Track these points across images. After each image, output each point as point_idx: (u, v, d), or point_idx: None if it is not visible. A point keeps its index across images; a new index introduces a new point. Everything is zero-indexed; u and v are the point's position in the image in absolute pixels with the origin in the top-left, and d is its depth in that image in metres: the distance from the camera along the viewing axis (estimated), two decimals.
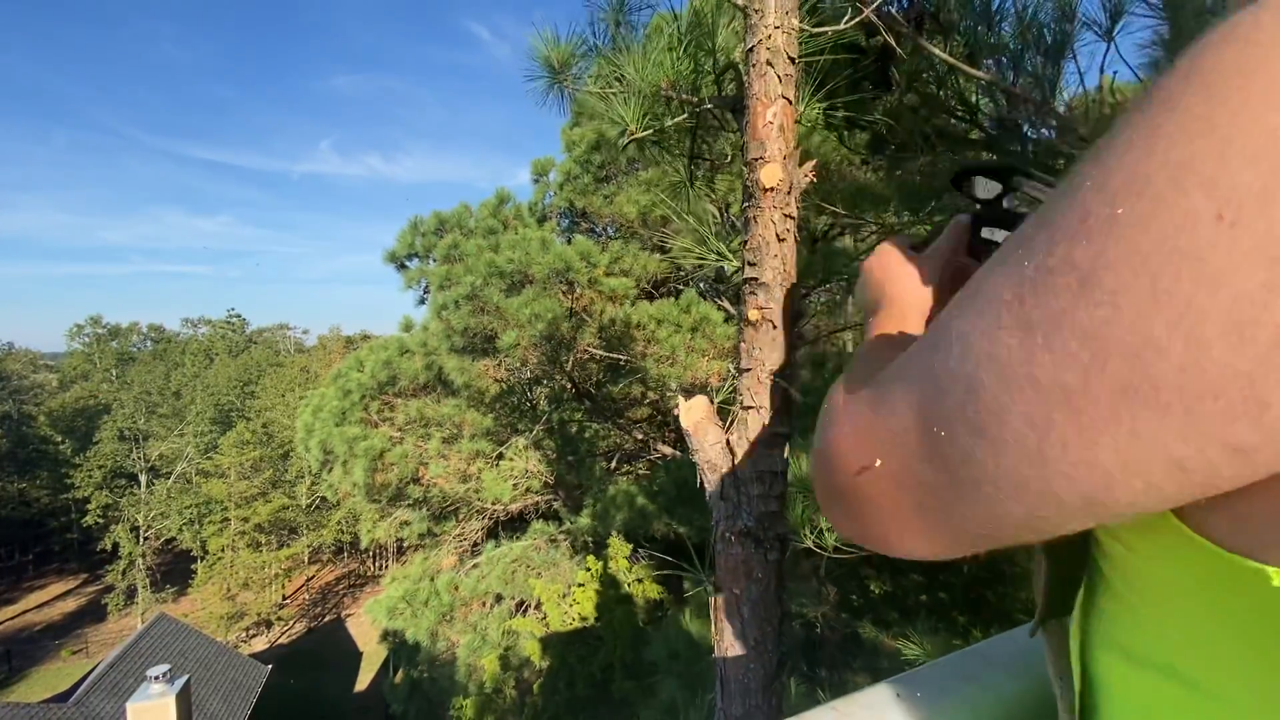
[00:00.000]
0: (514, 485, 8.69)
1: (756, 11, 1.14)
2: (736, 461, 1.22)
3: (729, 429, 1.27)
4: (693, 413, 1.28)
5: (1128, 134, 0.22)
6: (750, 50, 1.14)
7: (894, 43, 1.61)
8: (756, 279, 1.15)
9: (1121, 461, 0.23)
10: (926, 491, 0.32)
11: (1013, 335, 0.25)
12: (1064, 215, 0.24)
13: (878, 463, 0.35)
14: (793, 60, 1.13)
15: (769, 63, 1.12)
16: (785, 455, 1.22)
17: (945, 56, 1.71)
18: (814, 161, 1.15)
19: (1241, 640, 0.26)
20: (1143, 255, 0.21)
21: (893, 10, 1.63)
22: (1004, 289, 0.26)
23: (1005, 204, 0.70)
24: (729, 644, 1.18)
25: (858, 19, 1.30)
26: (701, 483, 1.27)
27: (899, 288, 0.66)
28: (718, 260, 1.48)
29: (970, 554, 0.35)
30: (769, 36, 1.12)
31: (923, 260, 0.68)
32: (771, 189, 1.12)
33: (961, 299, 0.30)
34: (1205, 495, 0.22)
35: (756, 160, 1.14)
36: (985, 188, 0.70)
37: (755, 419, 1.18)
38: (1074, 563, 0.38)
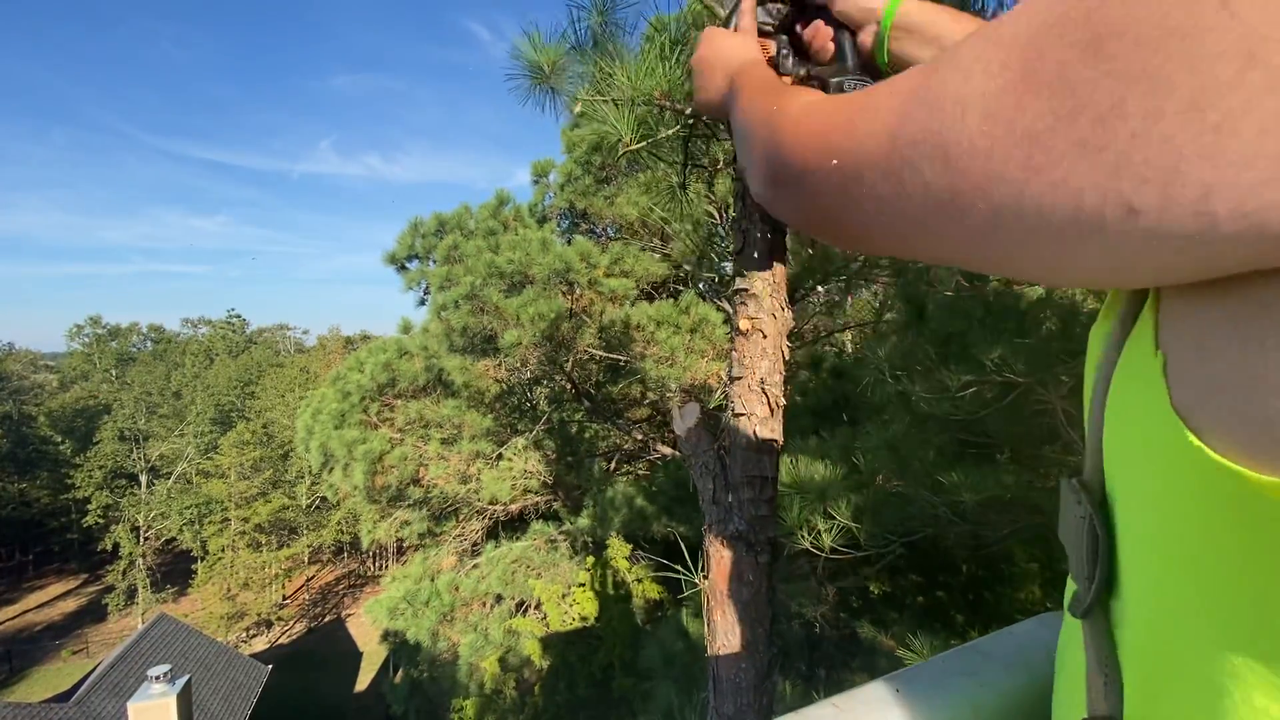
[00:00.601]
0: (512, 484, 8.70)
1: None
2: (728, 467, 1.25)
3: (721, 435, 1.29)
4: (686, 419, 1.31)
5: None
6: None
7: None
8: (747, 289, 1.18)
9: (1049, 203, 0.25)
10: (869, 197, 0.36)
11: (1012, 75, 0.26)
12: None
13: (834, 161, 0.39)
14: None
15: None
16: (776, 461, 1.25)
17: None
18: None
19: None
20: (1147, 25, 0.22)
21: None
22: (1020, 30, 0.27)
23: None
24: (721, 644, 1.21)
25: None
26: (693, 486, 1.29)
27: (738, 53, 0.73)
28: (715, 265, 1.49)
29: (864, 251, 0.40)
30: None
31: (739, 33, 0.77)
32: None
33: (980, 32, 0.30)
34: (1121, 245, 0.24)
35: (746, 169, 1.16)
36: None
37: (746, 425, 1.21)
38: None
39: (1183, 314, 0.27)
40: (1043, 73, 0.25)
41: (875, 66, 0.75)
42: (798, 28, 0.80)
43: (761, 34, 0.80)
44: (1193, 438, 0.25)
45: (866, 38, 0.75)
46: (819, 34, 0.77)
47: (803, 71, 0.78)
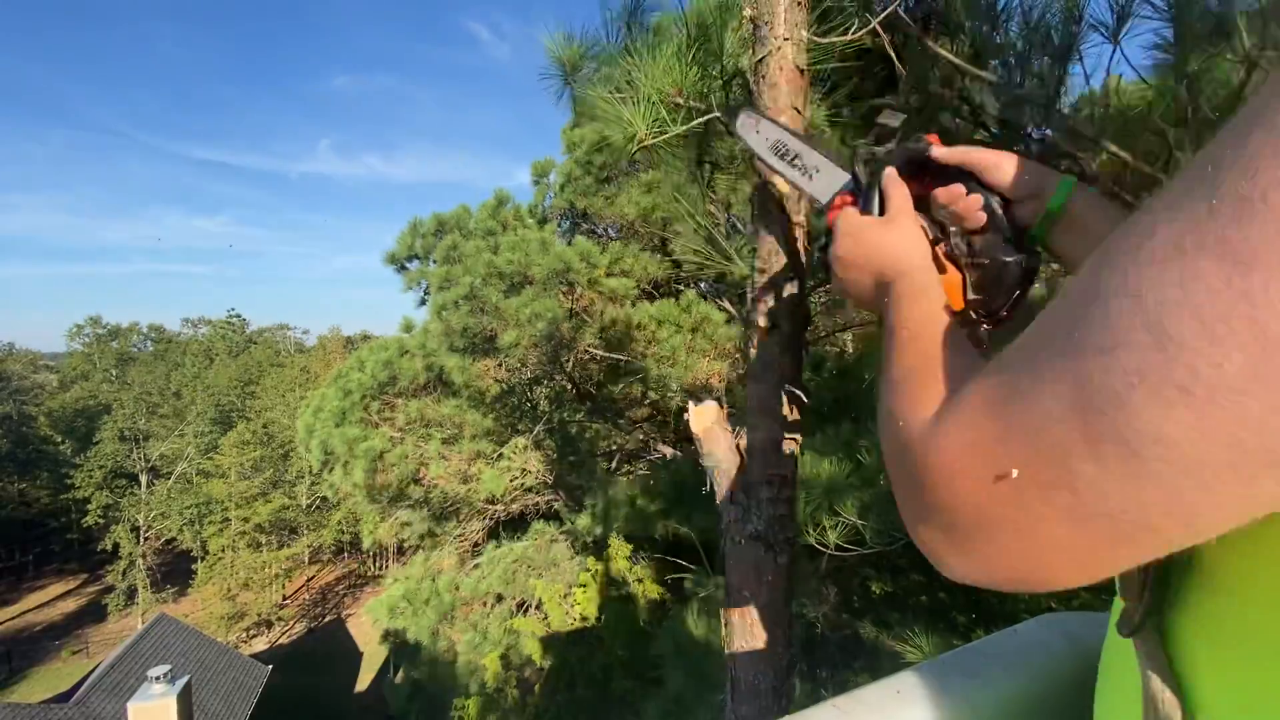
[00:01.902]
0: (509, 482, 8.70)
1: (766, 23, 1.15)
2: (746, 466, 1.24)
3: (738, 434, 1.28)
4: (703, 418, 1.30)
5: None
6: (760, 61, 1.16)
7: (900, 46, 1.62)
8: (766, 287, 1.17)
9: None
10: (1090, 491, 0.27)
11: (1212, 271, 0.22)
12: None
13: (1014, 473, 0.29)
14: (801, 71, 1.15)
15: (778, 73, 1.13)
16: (795, 460, 1.24)
17: (951, 57, 1.72)
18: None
19: None
20: None
21: (900, 11, 1.64)
22: (1178, 233, 0.24)
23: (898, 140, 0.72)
24: (740, 646, 1.20)
25: (866, 29, 1.31)
26: (711, 486, 1.28)
27: (902, 255, 0.62)
28: (724, 264, 1.49)
29: (1121, 569, 0.31)
30: (778, 48, 1.13)
31: (898, 219, 0.65)
32: (781, 196, 1.13)
33: (1100, 259, 0.27)
34: None
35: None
36: (894, 117, 0.73)
37: (765, 423, 1.20)
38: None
39: None
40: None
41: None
42: (933, 198, 0.71)
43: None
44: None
45: (1023, 213, 0.68)
46: (962, 203, 0.67)
47: (965, 246, 0.68)
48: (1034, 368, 0.29)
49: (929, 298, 0.56)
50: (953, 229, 0.68)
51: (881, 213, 0.68)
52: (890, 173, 0.69)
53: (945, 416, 0.36)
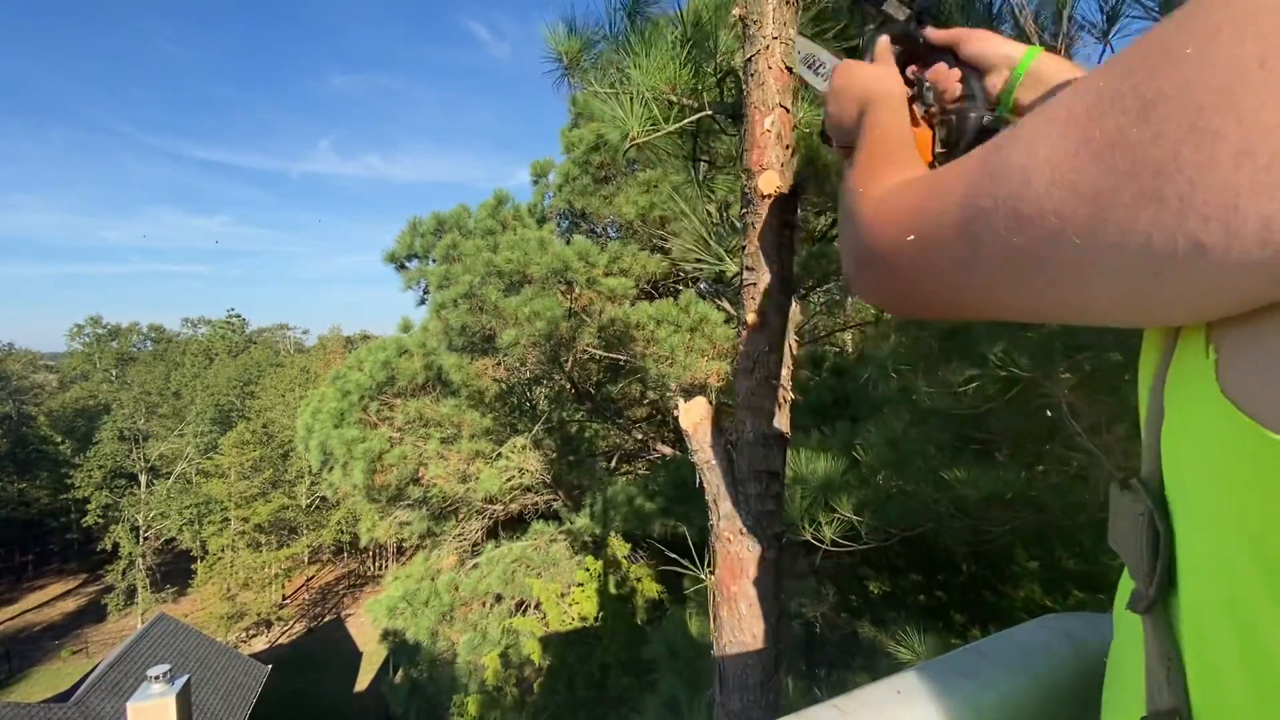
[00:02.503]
0: (507, 480, 8.70)
1: (755, 22, 1.16)
2: (734, 462, 1.25)
3: (727, 430, 1.29)
4: (692, 414, 1.30)
5: None
6: (749, 60, 1.17)
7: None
8: (755, 284, 1.17)
9: (1121, 249, 0.28)
10: (948, 264, 0.40)
11: (1070, 143, 0.29)
12: (1145, 47, 0.28)
13: (910, 237, 0.43)
14: (790, 70, 1.15)
15: (767, 72, 1.14)
16: (783, 456, 1.24)
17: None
18: (811, 170, 1.17)
19: None
20: (1194, 90, 0.25)
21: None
22: (1078, 105, 0.30)
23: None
24: (727, 641, 1.20)
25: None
26: (700, 483, 1.29)
27: (879, 84, 0.74)
28: (718, 264, 1.49)
29: (950, 318, 0.43)
30: (767, 47, 1.14)
31: (880, 63, 0.78)
32: (769, 195, 1.14)
33: (1038, 110, 0.33)
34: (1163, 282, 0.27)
35: (755, 167, 1.16)
36: (899, 10, 0.82)
37: (753, 420, 1.20)
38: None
39: (1235, 316, 0.29)
40: (1100, 139, 0.28)
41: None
42: (909, 71, 0.82)
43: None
44: (1246, 418, 0.27)
45: (996, 81, 0.78)
46: (943, 76, 0.79)
47: (935, 108, 0.78)
48: (943, 180, 0.41)
49: (898, 116, 0.68)
50: (927, 85, 0.79)
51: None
52: (882, 39, 0.81)
53: (888, 193, 0.50)
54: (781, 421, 1.21)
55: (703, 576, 1.31)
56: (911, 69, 0.81)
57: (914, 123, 0.76)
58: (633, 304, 7.93)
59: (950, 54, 0.79)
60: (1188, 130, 0.25)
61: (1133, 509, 0.39)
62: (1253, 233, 0.23)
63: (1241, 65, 0.23)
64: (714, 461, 1.25)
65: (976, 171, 0.37)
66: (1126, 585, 0.45)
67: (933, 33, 0.80)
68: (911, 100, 0.77)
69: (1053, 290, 0.34)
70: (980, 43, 0.77)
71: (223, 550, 26.84)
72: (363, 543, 12.36)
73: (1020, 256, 0.34)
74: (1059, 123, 0.31)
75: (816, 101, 1.40)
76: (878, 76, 0.75)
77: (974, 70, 0.77)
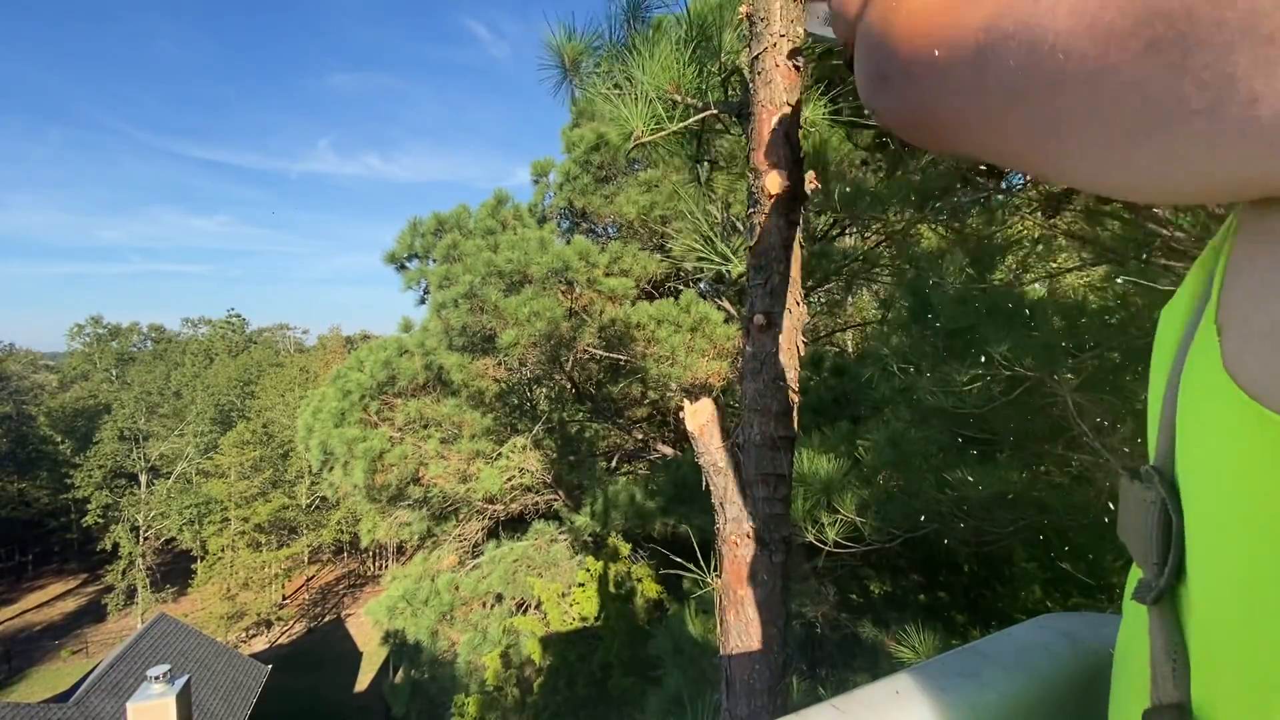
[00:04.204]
0: (507, 480, 8.70)
1: (762, 20, 1.15)
2: (742, 464, 1.24)
3: (734, 432, 1.28)
4: (698, 416, 1.29)
5: None
6: (756, 58, 1.16)
7: None
8: (762, 284, 1.16)
9: (1116, 97, 0.26)
10: (958, 87, 0.37)
11: None
12: None
13: (936, 51, 0.39)
14: (797, 68, 1.14)
15: (774, 70, 1.13)
16: (790, 458, 1.23)
17: None
18: (816, 170, 1.16)
19: None
20: None
21: None
22: None
23: None
24: (734, 644, 1.19)
25: None
26: (706, 485, 1.28)
27: None
28: (721, 264, 1.48)
29: (951, 149, 0.43)
30: (774, 45, 1.13)
31: None
32: (776, 195, 1.13)
33: None
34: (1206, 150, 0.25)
35: (761, 166, 1.15)
36: None
37: (760, 422, 1.19)
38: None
39: (1239, 273, 0.29)
40: None
41: None
42: None
43: None
44: (1242, 393, 0.27)
45: None
46: None
47: None
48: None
49: None
50: None
51: None
52: None
53: (931, 4, 0.45)
54: (789, 424, 1.20)
55: (707, 578, 1.30)
56: None
57: None
58: (633, 304, 7.93)
59: None
60: None
61: (1143, 497, 0.38)
62: (1239, 107, 0.23)
63: None
64: (721, 464, 1.24)
65: None
66: (1135, 577, 0.44)
67: None
68: None
69: (1045, 137, 0.32)
70: None
71: (223, 550, 26.85)
72: (363, 543, 12.34)
73: (1025, 91, 0.32)
74: None
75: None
76: None
77: None
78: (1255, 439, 0.26)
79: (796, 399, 1.18)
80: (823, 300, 9.90)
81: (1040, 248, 3.79)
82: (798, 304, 1.16)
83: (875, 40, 0.52)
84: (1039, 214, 3.39)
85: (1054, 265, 4.15)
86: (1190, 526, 0.34)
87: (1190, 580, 0.34)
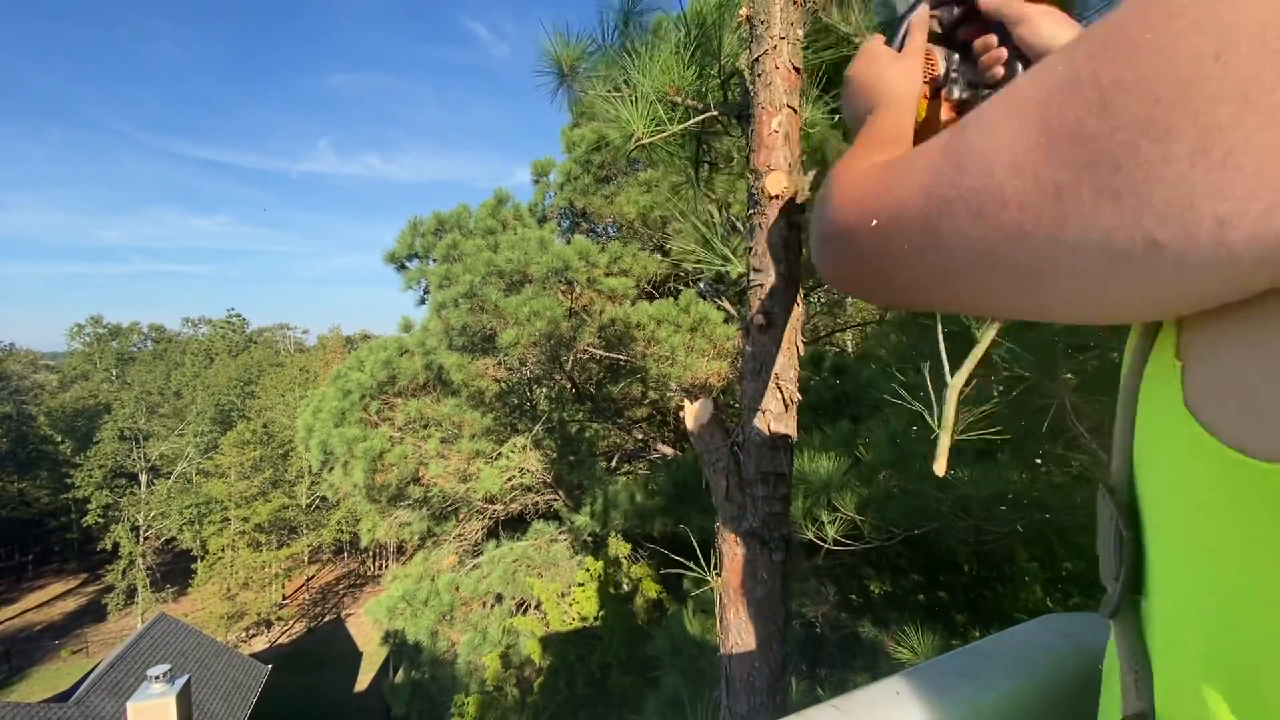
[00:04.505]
0: (507, 480, 8.70)
1: (762, 22, 1.15)
2: (741, 463, 1.24)
3: (733, 432, 1.28)
4: (698, 416, 1.30)
5: None
6: (756, 60, 1.16)
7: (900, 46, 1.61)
8: (762, 285, 1.17)
9: (1080, 247, 0.27)
10: (908, 251, 0.39)
11: (1031, 134, 0.29)
12: (1107, 30, 0.27)
13: (874, 222, 0.42)
14: (798, 70, 1.15)
15: (774, 72, 1.14)
16: (790, 457, 1.24)
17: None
18: (816, 171, 1.17)
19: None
20: (1152, 81, 0.24)
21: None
22: (1039, 90, 0.29)
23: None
24: (734, 643, 1.20)
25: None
26: (707, 484, 1.29)
27: (891, 86, 0.70)
28: (722, 264, 1.49)
29: (906, 307, 0.46)
30: (774, 47, 1.14)
31: (905, 57, 0.72)
32: (777, 196, 1.14)
33: (1002, 93, 0.32)
34: (1133, 282, 0.26)
35: (762, 168, 1.16)
36: None
37: (760, 421, 1.20)
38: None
39: (1202, 326, 0.29)
40: (1060, 129, 0.27)
41: None
42: (959, 31, 0.74)
43: (932, 38, 0.74)
44: (1204, 431, 0.28)
45: None
46: (991, 50, 0.71)
47: (967, 95, 0.73)
48: (909, 167, 0.40)
49: (901, 119, 0.66)
50: (956, 74, 0.74)
51: (900, 48, 0.74)
52: (921, 11, 0.74)
53: (859, 173, 0.49)
54: (788, 423, 1.20)
55: (707, 577, 1.31)
56: (963, 33, 0.73)
57: (936, 112, 0.72)
58: (633, 304, 7.93)
59: (1004, 30, 0.69)
60: (1145, 124, 0.24)
61: (1106, 512, 0.39)
62: (1208, 233, 0.23)
63: (1197, 57, 0.23)
64: (720, 464, 1.25)
65: (940, 157, 0.36)
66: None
67: (987, 3, 0.71)
68: (940, 86, 0.73)
69: (1012, 285, 0.33)
70: (1043, 25, 0.67)
71: (223, 550, 26.85)
72: (363, 543, 12.35)
73: (980, 249, 0.33)
74: (1021, 109, 0.30)
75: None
76: (892, 75, 0.70)
77: (1021, 57, 0.69)
78: (1213, 474, 0.27)
79: (796, 399, 1.19)
80: (823, 300, 9.90)
81: None
82: (797, 304, 1.16)
83: (818, 216, 0.56)
84: None
85: None
86: (1152, 547, 0.35)
87: (1152, 596, 0.36)
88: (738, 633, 1.18)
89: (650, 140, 1.32)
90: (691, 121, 1.36)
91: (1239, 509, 0.27)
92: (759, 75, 1.16)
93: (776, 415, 1.18)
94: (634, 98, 1.36)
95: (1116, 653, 0.40)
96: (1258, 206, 0.22)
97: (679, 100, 1.35)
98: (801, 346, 1.19)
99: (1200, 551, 0.29)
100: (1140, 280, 0.26)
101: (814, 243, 0.55)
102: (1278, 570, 0.25)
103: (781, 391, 1.17)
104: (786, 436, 1.21)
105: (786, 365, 1.17)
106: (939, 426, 2.08)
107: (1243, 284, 0.24)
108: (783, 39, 1.14)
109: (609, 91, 1.48)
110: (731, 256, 1.54)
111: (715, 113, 1.35)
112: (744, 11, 1.18)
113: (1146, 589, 0.36)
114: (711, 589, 1.29)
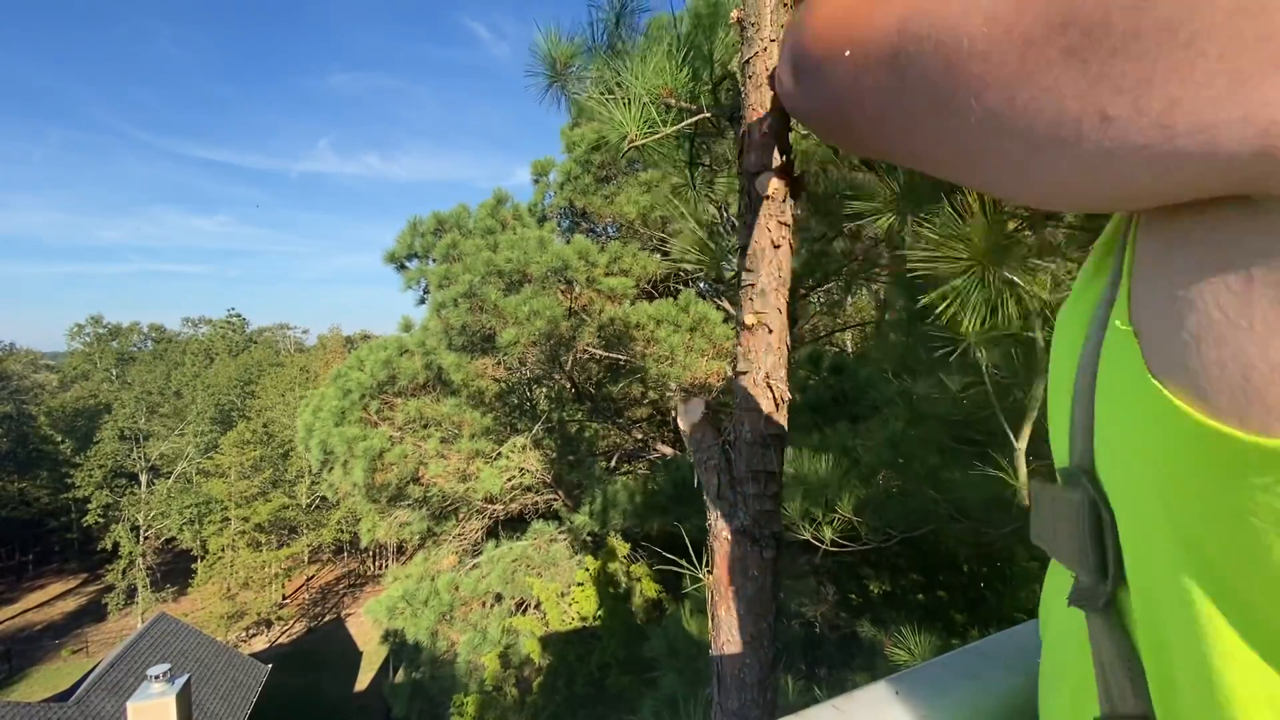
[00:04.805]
0: (508, 480, 8.71)
1: (753, 25, 1.17)
2: (733, 462, 1.25)
3: (725, 430, 1.30)
4: (690, 415, 1.31)
5: None
6: (746, 62, 1.18)
7: None
8: (753, 285, 1.18)
9: (1034, 109, 0.27)
10: (873, 90, 0.38)
11: None
12: None
13: (847, 51, 0.41)
14: None
15: (764, 74, 1.15)
16: (781, 455, 1.25)
17: None
18: (807, 172, 1.18)
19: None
20: None
21: None
22: None
23: None
24: (725, 640, 1.21)
25: None
26: (699, 482, 1.30)
27: None
28: (715, 264, 1.50)
29: (860, 152, 0.45)
30: (765, 49, 1.15)
31: None
32: (767, 197, 1.15)
33: None
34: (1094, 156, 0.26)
35: (752, 169, 1.17)
36: None
37: (751, 420, 1.21)
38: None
39: (1151, 276, 0.28)
40: None
41: None
42: None
43: None
44: (1176, 400, 0.26)
45: None
46: None
47: None
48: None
49: None
50: None
51: None
52: None
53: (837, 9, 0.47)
54: (779, 421, 1.22)
55: (701, 576, 1.32)
56: None
57: None
58: (633, 304, 7.94)
59: None
60: None
61: (1068, 499, 0.37)
62: (1155, 114, 0.23)
63: None
64: (712, 462, 1.26)
65: None
66: (1055, 588, 0.43)
67: None
68: None
69: (963, 141, 0.32)
70: None
71: (223, 550, 26.88)
72: (363, 542, 12.35)
73: (941, 97, 0.32)
74: None
75: None
76: None
77: None
78: (1185, 443, 0.26)
79: (786, 398, 1.20)
80: (822, 300, 9.91)
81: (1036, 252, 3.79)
82: (788, 304, 1.18)
83: (792, 37, 0.54)
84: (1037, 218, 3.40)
85: (1053, 267, 4.16)
86: (1123, 530, 0.33)
87: (1131, 584, 0.33)
88: (729, 629, 1.20)
89: (644, 141, 1.34)
90: (685, 123, 1.37)
91: (1211, 487, 0.25)
92: (749, 77, 1.17)
93: (767, 414, 1.19)
94: (627, 99, 1.37)
95: (1087, 650, 0.37)
96: (1209, 94, 0.21)
97: (672, 102, 1.36)
98: (793, 345, 1.21)
99: (1180, 532, 0.28)
100: (1082, 154, 0.26)
101: (786, 77, 0.54)
102: (1257, 554, 0.23)
103: (772, 390, 1.18)
104: (777, 435, 1.22)
105: (777, 364, 1.18)
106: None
107: (1175, 176, 0.24)
108: (773, 41, 1.15)
109: (601, 93, 1.50)
110: (731, 256, 1.55)
111: (708, 114, 1.36)
112: (735, 14, 1.19)
113: (1137, 581, 0.33)
114: (702, 588, 1.30)
